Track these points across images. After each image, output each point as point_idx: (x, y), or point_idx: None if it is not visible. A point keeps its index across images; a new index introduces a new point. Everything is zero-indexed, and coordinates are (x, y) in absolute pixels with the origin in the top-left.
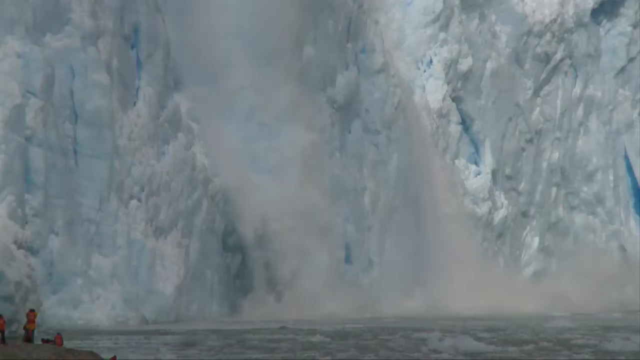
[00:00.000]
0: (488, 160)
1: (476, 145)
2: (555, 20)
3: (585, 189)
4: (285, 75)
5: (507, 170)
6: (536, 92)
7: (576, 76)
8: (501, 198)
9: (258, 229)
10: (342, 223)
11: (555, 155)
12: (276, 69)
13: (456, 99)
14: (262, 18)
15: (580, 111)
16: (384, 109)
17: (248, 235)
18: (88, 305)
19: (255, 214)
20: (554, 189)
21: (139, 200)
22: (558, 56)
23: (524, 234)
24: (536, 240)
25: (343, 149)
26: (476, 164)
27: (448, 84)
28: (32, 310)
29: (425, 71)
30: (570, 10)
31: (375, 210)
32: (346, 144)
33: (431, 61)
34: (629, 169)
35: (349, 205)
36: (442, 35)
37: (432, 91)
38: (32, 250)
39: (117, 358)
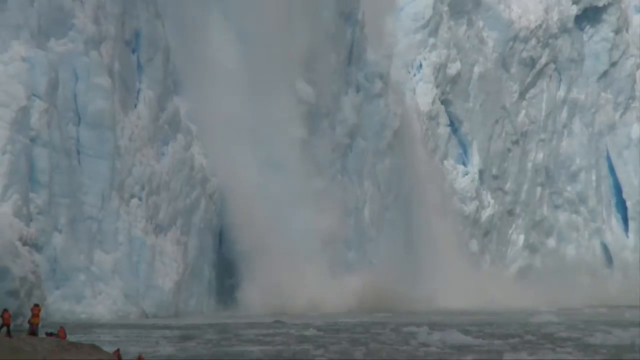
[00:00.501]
0: (475, 160)
1: (464, 146)
2: (540, 26)
3: (568, 188)
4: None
5: (494, 171)
6: (522, 96)
7: (560, 80)
8: (488, 197)
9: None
10: (344, 247)
11: (540, 156)
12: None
13: (445, 102)
14: (261, 22)
15: (564, 114)
16: (384, 132)
17: (254, 293)
18: (90, 300)
19: (266, 276)
20: (539, 189)
21: (140, 199)
22: (543, 61)
23: (510, 231)
24: (521, 237)
25: (344, 169)
26: (464, 164)
27: (437, 87)
28: (36, 305)
29: (415, 75)
30: (555, 16)
31: (372, 213)
32: (347, 164)
33: (421, 65)
34: (611, 169)
35: (351, 227)
36: (431, 40)
37: (422, 94)
38: (36, 247)
39: (120, 351)
